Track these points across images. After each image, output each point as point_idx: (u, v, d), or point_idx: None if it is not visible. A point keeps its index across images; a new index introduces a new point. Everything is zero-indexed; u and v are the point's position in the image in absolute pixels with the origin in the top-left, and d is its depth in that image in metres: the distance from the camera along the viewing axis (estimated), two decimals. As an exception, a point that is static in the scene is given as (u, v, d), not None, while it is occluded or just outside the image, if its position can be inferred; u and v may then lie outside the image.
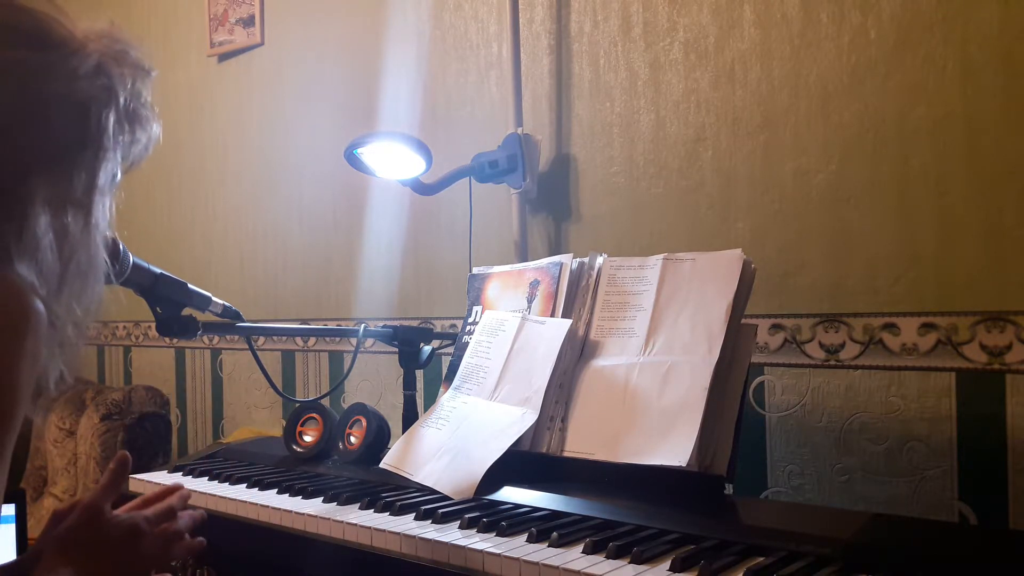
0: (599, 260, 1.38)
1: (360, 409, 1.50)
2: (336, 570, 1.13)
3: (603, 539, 0.95)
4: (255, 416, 2.45)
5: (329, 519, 1.14)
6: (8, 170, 0.71)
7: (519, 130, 1.75)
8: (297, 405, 1.60)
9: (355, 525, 1.10)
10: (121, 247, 1.07)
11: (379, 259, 2.12)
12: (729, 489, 1.15)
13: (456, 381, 1.42)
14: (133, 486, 1.47)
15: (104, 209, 0.80)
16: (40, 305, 0.69)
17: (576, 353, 1.31)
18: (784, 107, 1.48)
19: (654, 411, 1.17)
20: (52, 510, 0.92)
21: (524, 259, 1.78)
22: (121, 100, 0.78)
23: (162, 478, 1.46)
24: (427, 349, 1.54)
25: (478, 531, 1.03)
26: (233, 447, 1.71)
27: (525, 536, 1.00)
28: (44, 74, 0.73)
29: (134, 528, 0.88)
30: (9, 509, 1.68)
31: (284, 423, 1.69)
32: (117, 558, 0.87)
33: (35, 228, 0.71)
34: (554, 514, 1.08)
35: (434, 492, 1.21)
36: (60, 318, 0.74)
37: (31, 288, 0.69)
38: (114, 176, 0.81)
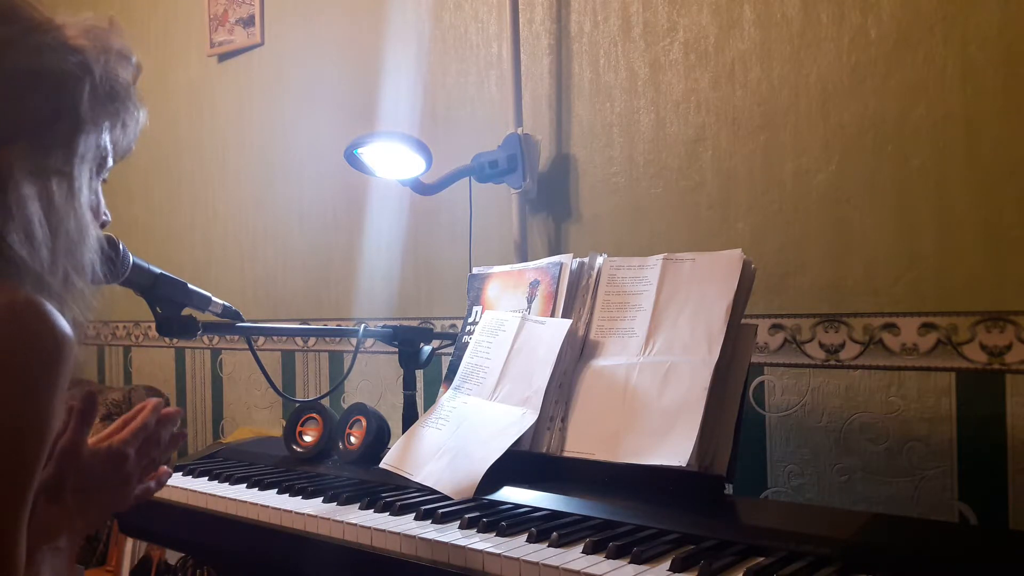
0: (599, 260, 1.38)
1: (360, 409, 1.50)
2: (336, 570, 1.13)
3: (603, 539, 0.95)
4: (255, 416, 2.45)
5: (329, 519, 1.13)
6: None
7: (519, 130, 1.75)
8: (297, 405, 1.60)
9: (355, 525, 1.10)
10: (121, 247, 1.07)
11: (379, 259, 2.12)
12: (729, 489, 1.15)
13: (456, 381, 1.42)
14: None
15: (88, 177, 0.81)
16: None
17: (576, 353, 1.31)
18: (784, 107, 1.48)
19: (654, 411, 1.17)
20: None
21: (524, 259, 1.78)
22: (96, 75, 0.79)
23: (162, 478, 1.45)
24: (427, 349, 1.54)
25: (478, 531, 1.03)
26: (233, 447, 1.71)
27: (525, 536, 1.00)
28: (8, 47, 0.74)
29: (115, 454, 0.90)
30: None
31: (284, 423, 1.69)
32: (104, 486, 0.89)
33: (22, 200, 0.72)
34: (554, 514, 1.08)
35: (434, 492, 1.21)
36: (56, 291, 0.74)
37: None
38: (98, 148, 0.81)
